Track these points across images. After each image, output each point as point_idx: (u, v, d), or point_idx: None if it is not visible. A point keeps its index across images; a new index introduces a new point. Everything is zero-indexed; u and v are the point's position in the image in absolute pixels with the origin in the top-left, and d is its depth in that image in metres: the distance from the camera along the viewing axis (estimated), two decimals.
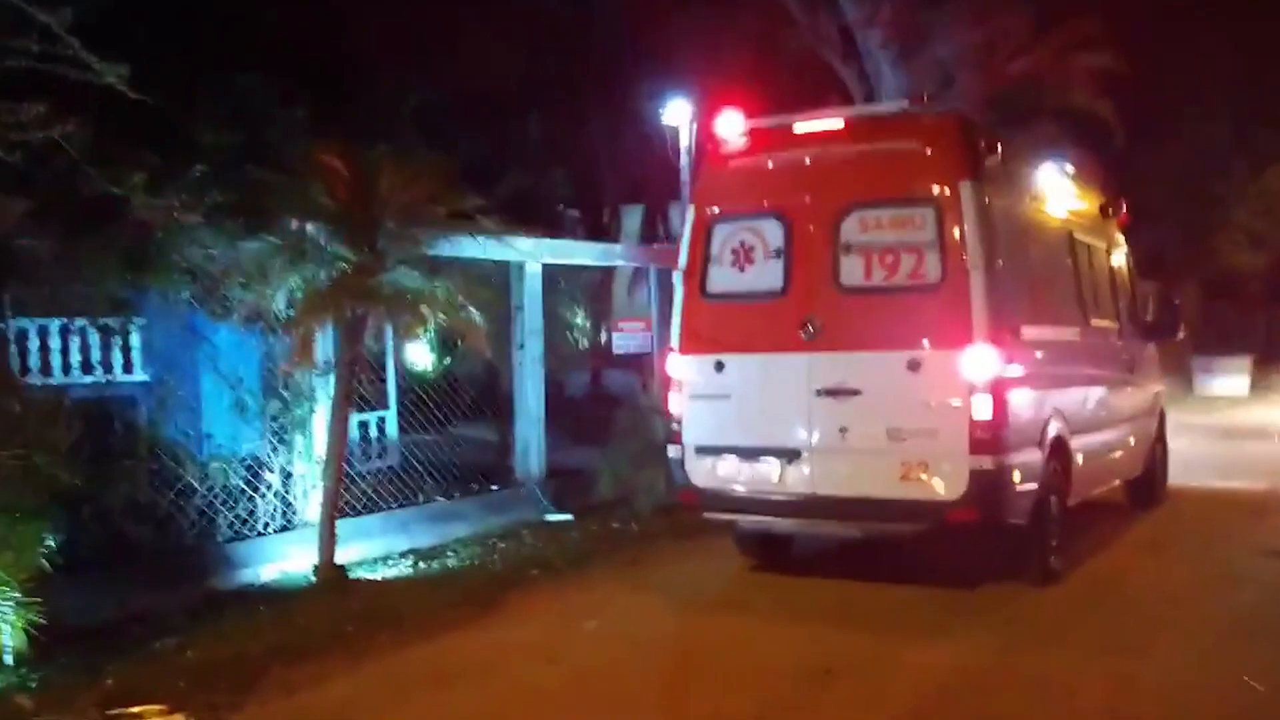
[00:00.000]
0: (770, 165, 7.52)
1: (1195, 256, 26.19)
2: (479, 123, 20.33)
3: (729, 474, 7.47)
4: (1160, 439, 10.59)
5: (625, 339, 10.90)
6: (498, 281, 10.85)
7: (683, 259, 7.77)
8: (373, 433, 10.52)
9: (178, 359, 8.57)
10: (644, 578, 8.00)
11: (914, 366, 6.87)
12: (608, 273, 14.67)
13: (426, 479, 9.94)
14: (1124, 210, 10.25)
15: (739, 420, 7.48)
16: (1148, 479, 10.25)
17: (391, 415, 10.66)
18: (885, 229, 7.05)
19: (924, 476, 6.85)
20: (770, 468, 7.30)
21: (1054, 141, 16.32)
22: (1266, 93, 22.85)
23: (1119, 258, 10.01)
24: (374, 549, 8.59)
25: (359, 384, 10.48)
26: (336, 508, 7.34)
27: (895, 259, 7.02)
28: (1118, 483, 9.56)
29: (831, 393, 7.10)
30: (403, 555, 8.61)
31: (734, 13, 17.53)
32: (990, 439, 6.71)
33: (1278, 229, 26.07)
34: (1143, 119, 21.13)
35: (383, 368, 10.58)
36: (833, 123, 7.39)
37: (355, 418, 10.46)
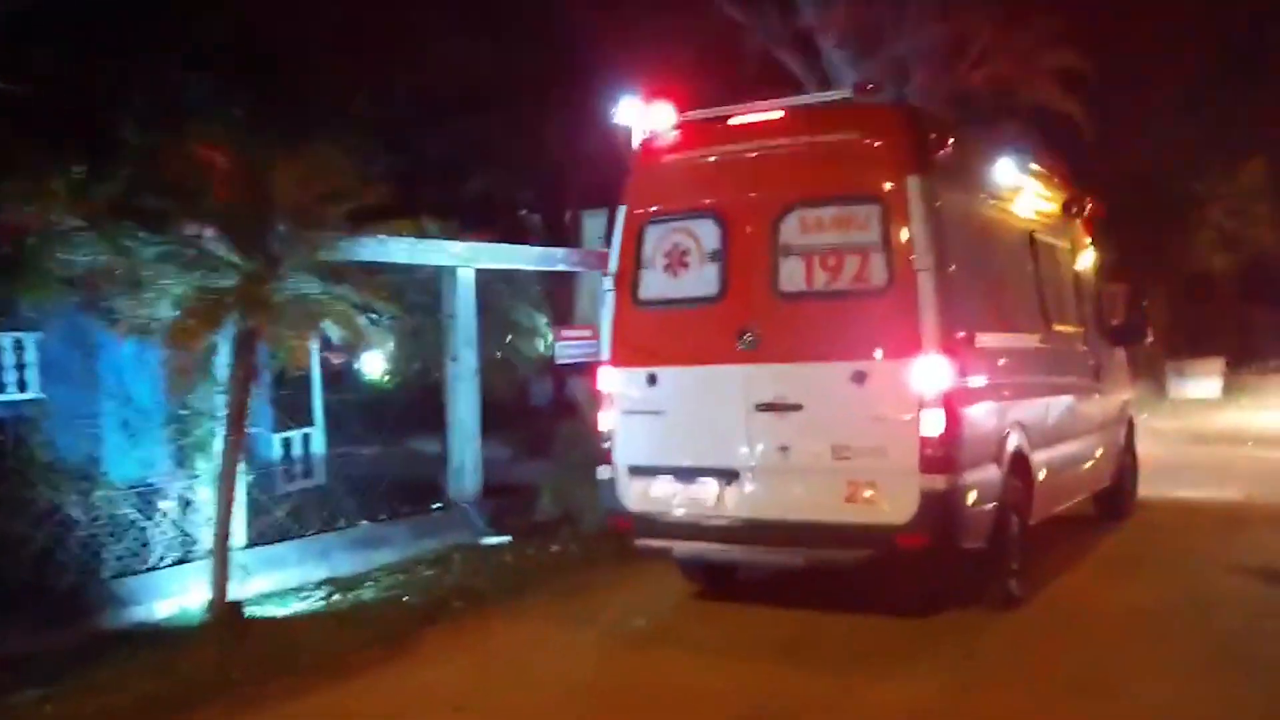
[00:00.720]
0: (705, 161, 6.95)
1: (1168, 258, 25.84)
2: (439, 123, 19.76)
3: (663, 497, 6.89)
4: (1129, 449, 10.09)
5: (569, 347, 10.30)
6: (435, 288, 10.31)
7: (612, 263, 7.19)
8: (297, 451, 9.86)
9: (78, 375, 7.90)
10: (579, 608, 7.41)
11: (859, 378, 6.31)
12: (572, 277, 14.13)
13: (354, 500, 9.29)
14: (1089, 208, 9.75)
15: (673, 438, 6.90)
16: (1117, 491, 9.75)
17: (318, 432, 10.00)
18: (827, 229, 6.49)
19: (871, 498, 6.29)
20: (707, 490, 6.73)
21: (1021, 140, 15.88)
22: (1238, 88, 22.54)
23: (1084, 259, 9.50)
24: (288, 579, 7.97)
25: (284, 398, 9.97)
26: (228, 537, 6.68)
27: (838, 262, 6.46)
28: (1084, 497, 9.02)
29: (771, 407, 6.53)
30: (319, 586, 7.98)
31: (692, 15, 17.03)
32: (942, 456, 6.16)
33: (1251, 228, 25.78)
34: (1112, 118, 20.74)
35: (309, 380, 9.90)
36: (770, 114, 6.82)
37: (277, 436, 9.88)
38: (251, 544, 7.85)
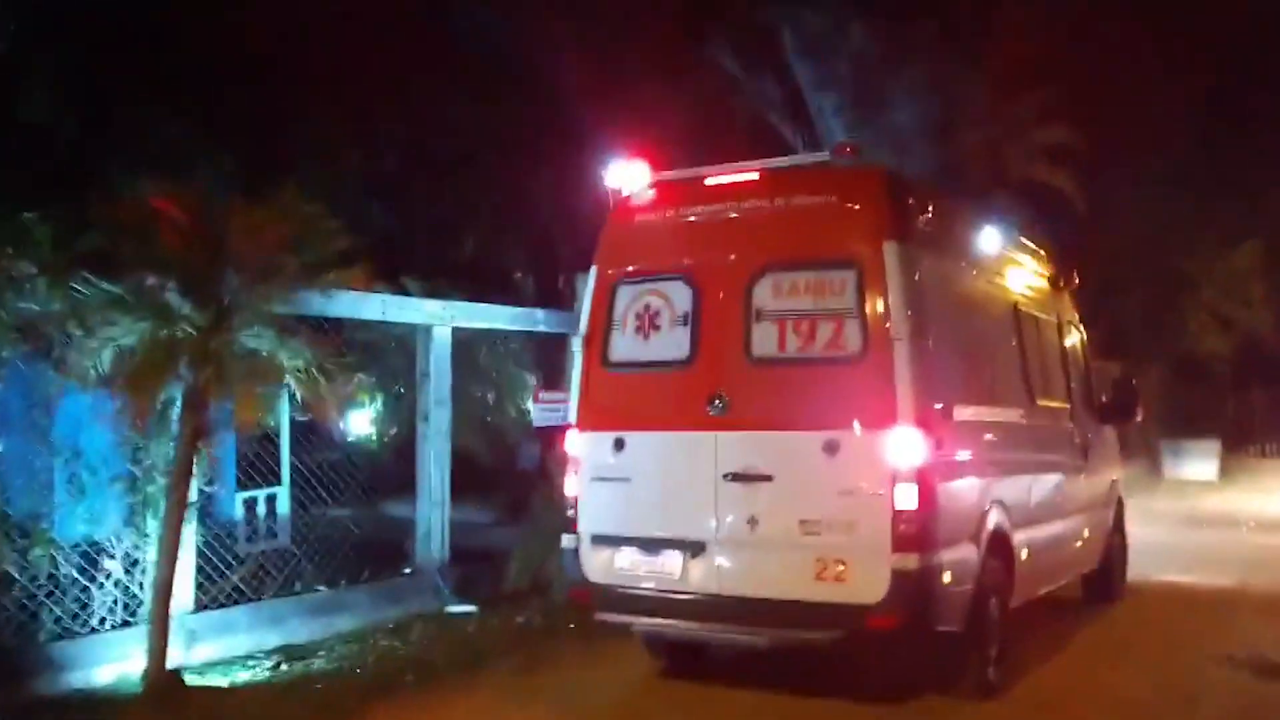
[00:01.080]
0: (679, 221, 6.76)
1: (1162, 337, 25.73)
2: (432, 182, 19.72)
3: (627, 568, 6.58)
4: (1119, 530, 9.80)
5: (545, 411, 10.02)
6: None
7: (583, 324, 6.98)
8: (262, 511, 9.55)
9: (26, 428, 7.62)
10: (536, 686, 7.06)
11: (831, 449, 6.05)
12: (565, 340, 13.89)
13: (317, 564, 8.96)
14: (1076, 280, 9.57)
15: (639, 507, 6.62)
16: (1104, 574, 9.44)
17: (284, 491, 9.70)
18: (801, 294, 6.28)
19: (841, 575, 5.99)
20: (672, 562, 6.43)
21: (1010, 212, 15.81)
22: (1230, 166, 22.55)
23: (1071, 333, 9.29)
24: (238, 646, 7.61)
25: (250, 457, 9.69)
26: (169, 601, 6.37)
27: (812, 328, 6.24)
28: (1069, 579, 8.71)
29: (740, 477, 6.26)
30: (271, 654, 7.63)
31: (688, 78, 17.05)
32: (916, 534, 5.87)
33: (1245, 311, 25.67)
34: (1105, 193, 20.72)
35: (276, 438, 9.63)
36: (746, 175, 6.66)
37: (240, 495, 9.59)
38: (200, 608, 7.51)
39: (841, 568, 5.99)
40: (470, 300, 10.32)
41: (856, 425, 6.04)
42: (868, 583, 5.93)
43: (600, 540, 6.69)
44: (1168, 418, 25.24)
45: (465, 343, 11.48)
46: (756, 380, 6.35)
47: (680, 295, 6.61)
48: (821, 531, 6.04)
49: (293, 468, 9.67)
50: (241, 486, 9.73)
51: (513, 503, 12.41)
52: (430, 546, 9.33)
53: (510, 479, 14.19)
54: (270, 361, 6.10)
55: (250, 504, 9.54)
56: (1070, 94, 17.56)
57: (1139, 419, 9.95)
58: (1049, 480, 8.02)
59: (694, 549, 6.36)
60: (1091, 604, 9.29)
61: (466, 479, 13.11)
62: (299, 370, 6.28)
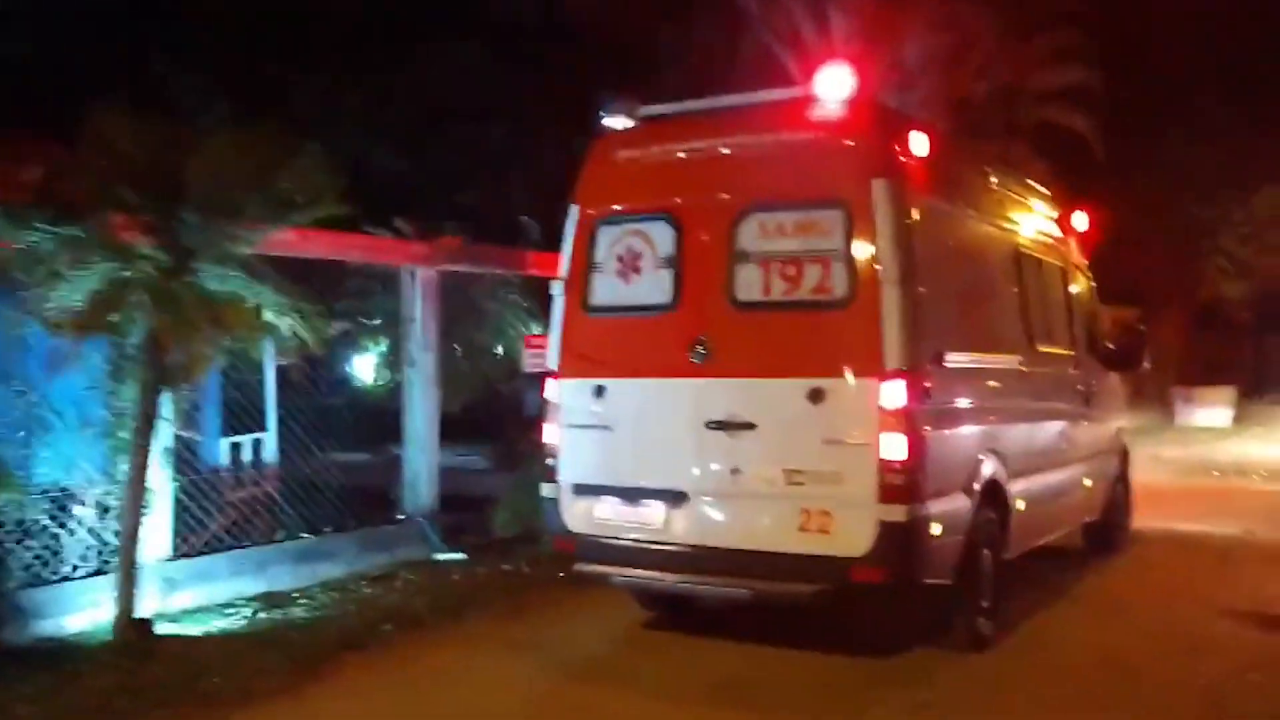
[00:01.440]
0: (661, 159, 6.47)
1: (1181, 285, 25.31)
2: (440, 129, 19.41)
3: (608, 518, 6.40)
4: (1123, 479, 9.56)
5: (535, 356, 9.78)
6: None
7: (563, 267, 6.72)
8: (248, 456, 9.43)
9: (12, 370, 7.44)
10: (520, 635, 6.91)
11: (816, 397, 5.81)
12: None
13: (304, 510, 8.83)
14: (1087, 223, 9.25)
15: (621, 455, 6.41)
16: (1107, 523, 9.23)
17: (271, 437, 9.56)
18: (788, 235, 6.01)
19: (825, 527, 5.79)
20: (653, 512, 6.24)
21: (1025, 156, 15.41)
22: (1255, 113, 21.98)
23: (1078, 278, 8.98)
24: (218, 594, 7.49)
25: (236, 401, 9.52)
26: (134, 549, 6.21)
27: (798, 270, 5.97)
28: (1070, 530, 8.50)
29: (723, 426, 6.04)
30: (251, 601, 7.51)
31: (696, 11, 16.63)
32: (903, 484, 5.65)
33: (1265, 257, 25.18)
34: (1124, 139, 20.23)
35: (260, 381, 9.47)
36: (731, 109, 6.36)
37: (225, 440, 9.45)
38: (179, 555, 7.38)
39: (826, 519, 5.79)
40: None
41: (843, 372, 5.80)
42: (853, 534, 5.73)
43: (581, 489, 6.51)
44: (1183, 365, 24.93)
45: (465, 289, 11.28)
46: (740, 325, 6.11)
47: (663, 236, 6.34)
48: (806, 482, 5.83)
49: (283, 413, 9.53)
50: (233, 431, 9.63)
51: (511, 450, 12.24)
52: (417, 493, 9.19)
53: (515, 425, 14.04)
54: (236, 304, 5.87)
55: (236, 449, 9.45)
56: (1087, 36, 17.07)
57: (1146, 366, 9.66)
58: (1049, 428, 7.78)
59: (676, 499, 6.17)
60: (1094, 554, 9.09)
61: (470, 426, 13.01)
62: (269, 314, 6.04)
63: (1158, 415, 23.16)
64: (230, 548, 7.87)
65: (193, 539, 7.72)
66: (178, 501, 7.47)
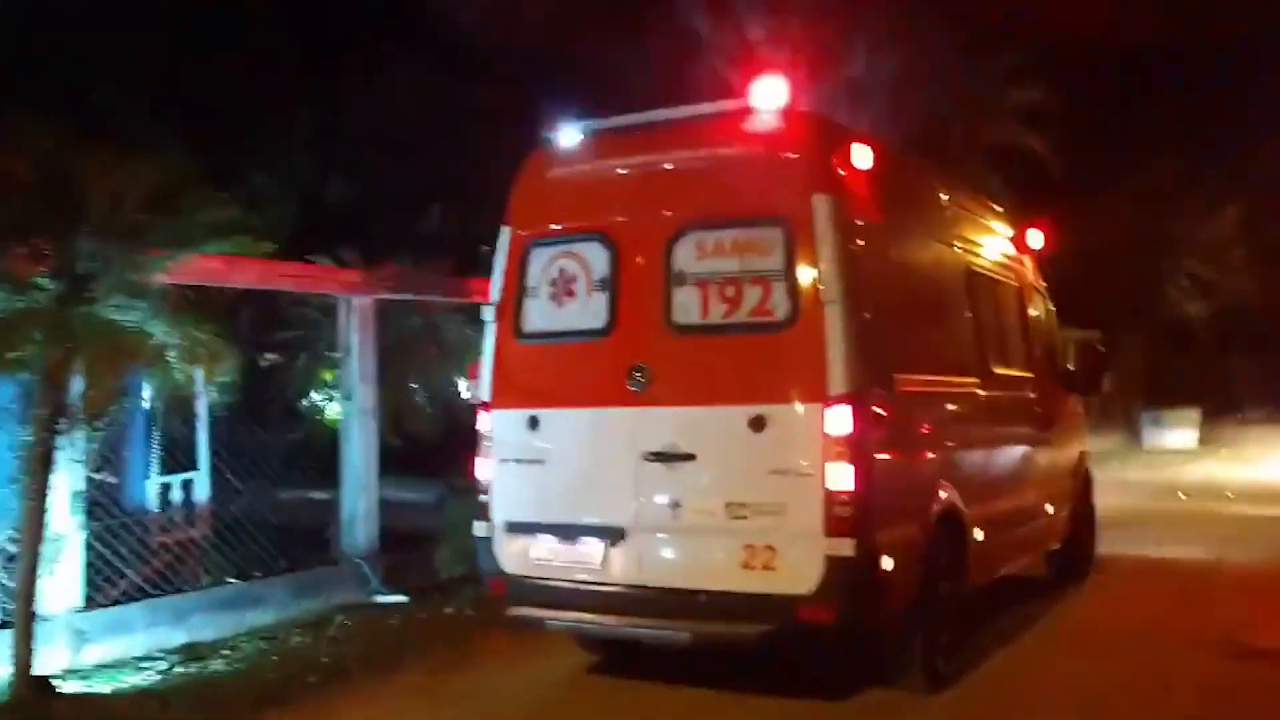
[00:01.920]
0: (594, 176, 6.14)
1: (1144, 305, 25.28)
2: (395, 154, 19.06)
3: (544, 558, 6.02)
4: (1086, 504, 9.29)
5: (475, 385, 9.39)
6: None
7: (494, 291, 6.38)
8: (176, 497, 8.97)
9: None
10: (452, 686, 6.50)
11: (758, 425, 5.48)
12: None
13: (237, 554, 8.39)
14: (1043, 242, 9.02)
15: (556, 490, 6.05)
16: (1071, 550, 8.96)
17: (202, 476, 9.11)
18: (725, 254, 5.69)
19: (770, 564, 5.43)
20: (592, 550, 5.87)
21: (982, 177, 15.26)
22: (1213, 131, 22.05)
23: (1035, 298, 8.73)
24: (135, 646, 7.04)
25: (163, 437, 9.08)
26: (31, 601, 5.76)
27: (737, 291, 5.65)
28: (1032, 558, 8.19)
29: (662, 457, 5.69)
30: (171, 654, 7.06)
31: (648, 32, 16.39)
32: (851, 516, 5.32)
33: (1227, 277, 25.22)
34: (1083, 159, 20.20)
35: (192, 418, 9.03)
36: (666, 122, 6.05)
37: (152, 481, 9.00)
38: (91, 606, 6.93)
39: (771, 554, 5.44)
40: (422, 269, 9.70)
41: (785, 398, 5.48)
42: (799, 571, 5.38)
43: (514, 528, 6.13)
44: (1148, 386, 24.87)
45: (426, 316, 10.90)
46: (678, 351, 5.77)
47: (597, 257, 6.01)
48: (749, 515, 5.48)
49: (221, 451, 9.10)
50: (164, 471, 9.17)
51: (465, 482, 11.82)
52: (355, 533, 8.76)
53: (468, 458, 13.61)
54: (135, 336, 5.47)
55: (165, 490, 9.00)
56: (1043, 56, 16.99)
57: (1106, 388, 9.42)
58: (1007, 453, 7.50)
59: (614, 536, 5.80)
60: (1058, 583, 8.79)
61: (430, 459, 12.57)
62: (174, 347, 5.65)
63: (1125, 438, 23.07)
64: (147, 596, 7.41)
65: (112, 589, 7.29)
66: (92, 548, 7.04)
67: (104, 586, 7.26)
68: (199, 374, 6.82)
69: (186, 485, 9.19)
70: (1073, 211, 20.57)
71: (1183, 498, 15.04)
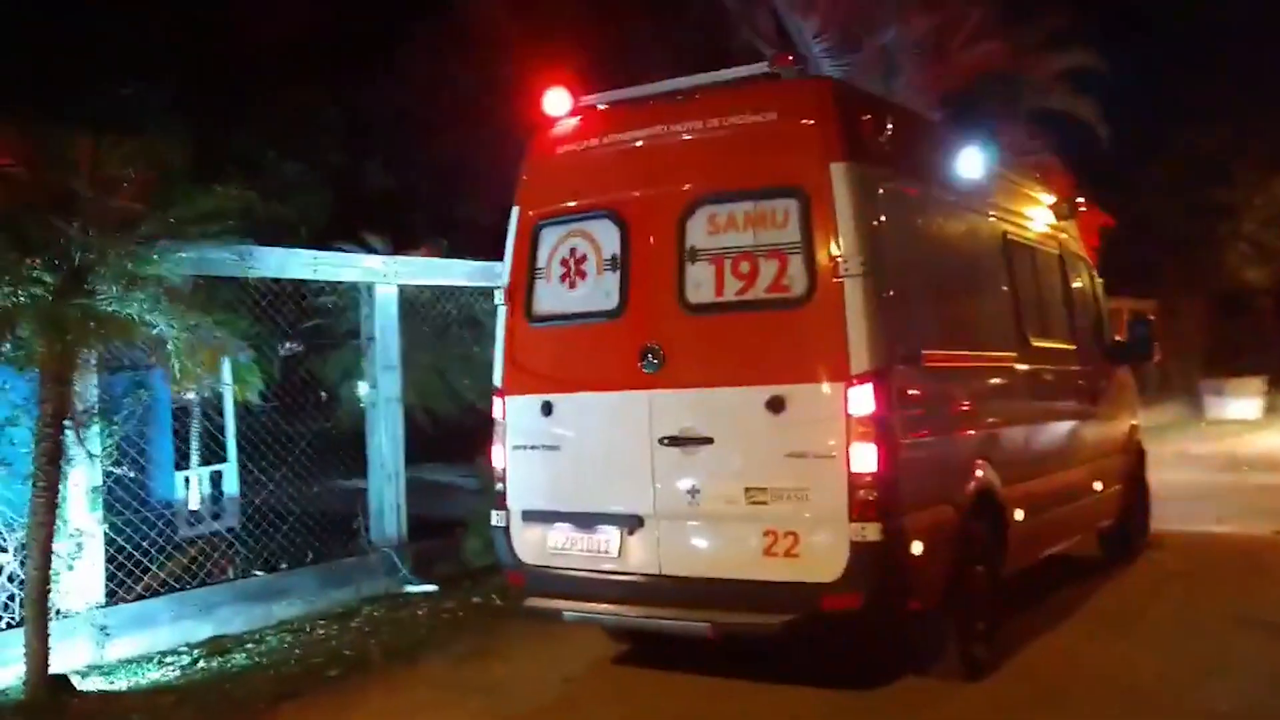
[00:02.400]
0: (603, 150, 5.90)
1: (1202, 272, 24.54)
2: (427, 143, 18.96)
3: (560, 547, 5.84)
4: (1138, 480, 8.91)
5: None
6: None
7: (505, 273, 6.19)
8: (205, 490, 8.94)
9: None
10: (477, 676, 6.36)
11: (776, 406, 5.24)
12: None
13: (263, 546, 8.31)
14: (1088, 210, 8.63)
15: (571, 478, 5.86)
16: (1123, 528, 8.59)
17: (231, 469, 9.07)
18: (740, 228, 5.44)
19: (792, 550, 5.20)
20: (608, 539, 5.68)
21: (1028, 146, 14.79)
22: (1269, 93, 21.24)
23: (1078, 267, 8.36)
24: (160, 641, 6.98)
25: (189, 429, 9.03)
26: (46, 598, 5.71)
27: (753, 267, 5.40)
28: (1079, 538, 7.86)
29: (678, 441, 5.48)
30: (197, 647, 7.00)
31: (679, 14, 16.12)
32: (876, 499, 5.07)
33: None
34: (1135, 123, 19.55)
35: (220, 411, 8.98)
36: (676, 93, 5.79)
37: (181, 474, 8.97)
38: (113, 601, 6.87)
39: (793, 541, 5.21)
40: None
41: (804, 378, 5.23)
42: (823, 558, 5.14)
43: (530, 516, 5.96)
44: (1209, 356, 24.16)
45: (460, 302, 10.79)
46: (692, 330, 5.54)
47: (607, 236, 5.80)
48: (769, 500, 5.25)
49: (254, 442, 9.02)
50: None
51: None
52: (383, 522, 8.65)
53: None
54: (132, 327, 5.35)
55: (191, 482, 8.97)
56: (1089, 18, 16.44)
57: (1157, 359, 9.00)
58: (1049, 430, 7.17)
59: (631, 524, 5.61)
60: (1108, 562, 8.45)
61: (468, 442, 12.42)
62: (178, 339, 5.52)
63: (1185, 409, 22.43)
64: (172, 590, 7.34)
65: (137, 584, 7.22)
66: (114, 543, 6.97)
67: (129, 582, 7.20)
68: (221, 365, 6.77)
69: (216, 478, 9.17)
70: (1125, 178, 20.01)
71: (1245, 470, 14.51)
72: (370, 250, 11.16)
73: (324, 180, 17.48)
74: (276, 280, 8.05)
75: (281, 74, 17.72)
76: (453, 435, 11.34)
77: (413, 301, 9.52)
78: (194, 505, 8.85)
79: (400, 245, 12.02)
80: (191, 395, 7.49)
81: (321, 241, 11.54)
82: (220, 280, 7.33)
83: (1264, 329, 25.34)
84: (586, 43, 17.62)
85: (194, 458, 9.10)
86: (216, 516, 8.98)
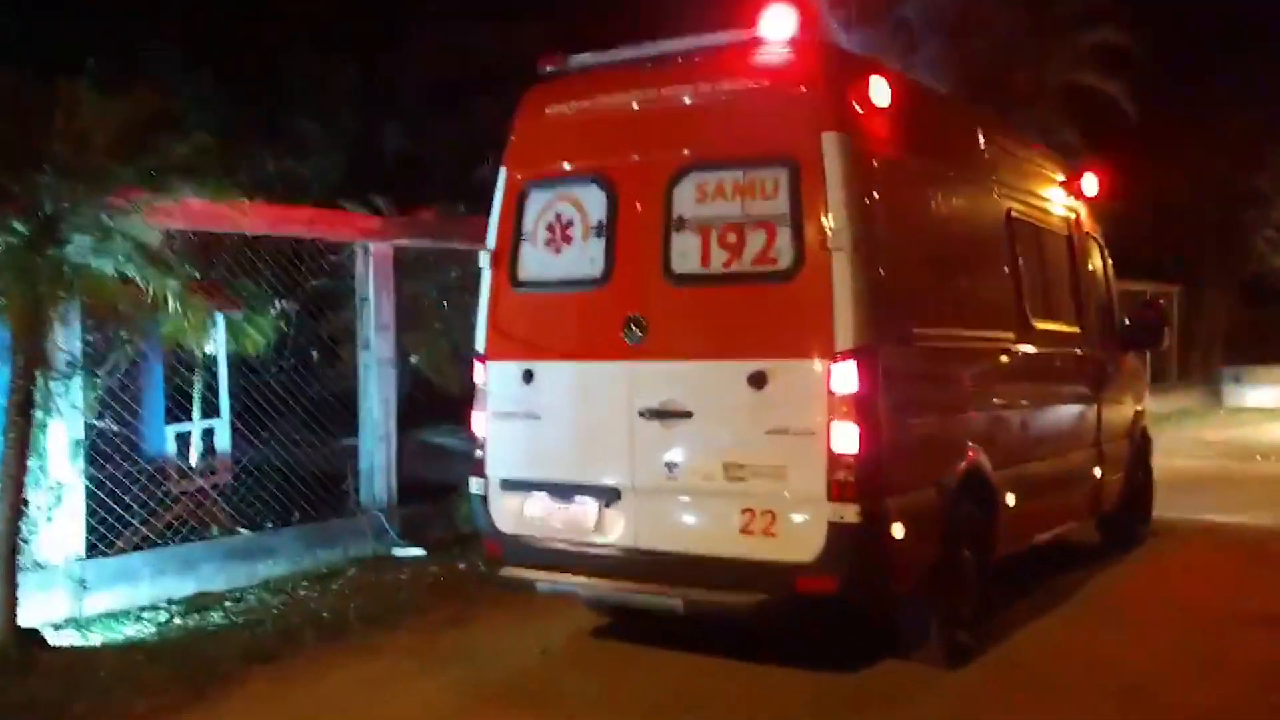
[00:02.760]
0: (591, 114, 5.74)
1: (1227, 258, 24.11)
2: (450, 106, 18.81)
3: (537, 517, 5.74)
4: (1141, 467, 8.73)
5: None
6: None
7: (491, 237, 6.05)
8: (197, 445, 8.88)
9: None
10: (451, 644, 6.29)
11: (758, 381, 5.11)
12: None
13: (253, 503, 8.26)
14: (1098, 188, 8.38)
15: (550, 447, 5.75)
16: (1125, 515, 8.43)
17: (223, 425, 9.00)
18: (728, 197, 5.28)
19: (769, 529, 5.08)
20: (586, 510, 5.58)
21: (1052, 124, 14.50)
22: None
23: (1088, 248, 8.15)
24: (140, 596, 6.95)
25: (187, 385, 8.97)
26: (14, 553, 5.65)
27: (740, 238, 5.25)
28: (1074, 524, 7.70)
29: (658, 414, 5.36)
30: (177, 604, 6.96)
31: None
32: (856, 480, 4.93)
33: None
34: (1163, 105, 19.12)
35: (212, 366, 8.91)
36: (668, 55, 5.61)
37: (171, 429, 8.92)
38: (94, 554, 6.83)
39: (770, 519, 5.09)
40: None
41: (788, 353, 5.09)
42: (800, 538, 5.02)
43: (509, 485, 5.86)
44: (1231, 343, 23.79)
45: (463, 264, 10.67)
46: (676, 301, 5.40)
47: (594, 201, 5.65)
48: (748, 477, 5.13)
49: (249, 398, 8.95)
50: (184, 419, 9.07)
51: None
52: (373, 485, 8.58)
53: None
54: (105, 280, 5.25)
55: (183, 439, 8.92)
56: None
57: (1165, 344, 8.80)
58: (1047, 413, 7.01)
59: (608, 496, 5.50)
60: (1106, 549, 8.30)
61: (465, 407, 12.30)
62: (160, 293, 5.42)
63: (1204, 396, 22.15)
64: (155, 545, 7.30)
65: (123, 538, 7.18)
66: (95, 496, 6.92)
67: (110, 536, 7.16)
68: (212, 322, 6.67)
69: (208, 434, 9.11)
70: (1151, 160, 19.59)
71: (1259, 460, 14.28)
72: (376, 211, 11.05)
73: (340, 142, 17.40)
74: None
75: (301, 36, 17.61)
76: (459, 399, 11.24)
77: (420, 262, 9.42)
78: (193, 460, 8.79)
79: (414, 208, 11.94)
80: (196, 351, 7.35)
81: (333, 202, 11.46)
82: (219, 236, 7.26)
83: None
84: (610, 6, 17.40)
85: (195, 413, 9.05)
86: (212, 472, 8.92)
